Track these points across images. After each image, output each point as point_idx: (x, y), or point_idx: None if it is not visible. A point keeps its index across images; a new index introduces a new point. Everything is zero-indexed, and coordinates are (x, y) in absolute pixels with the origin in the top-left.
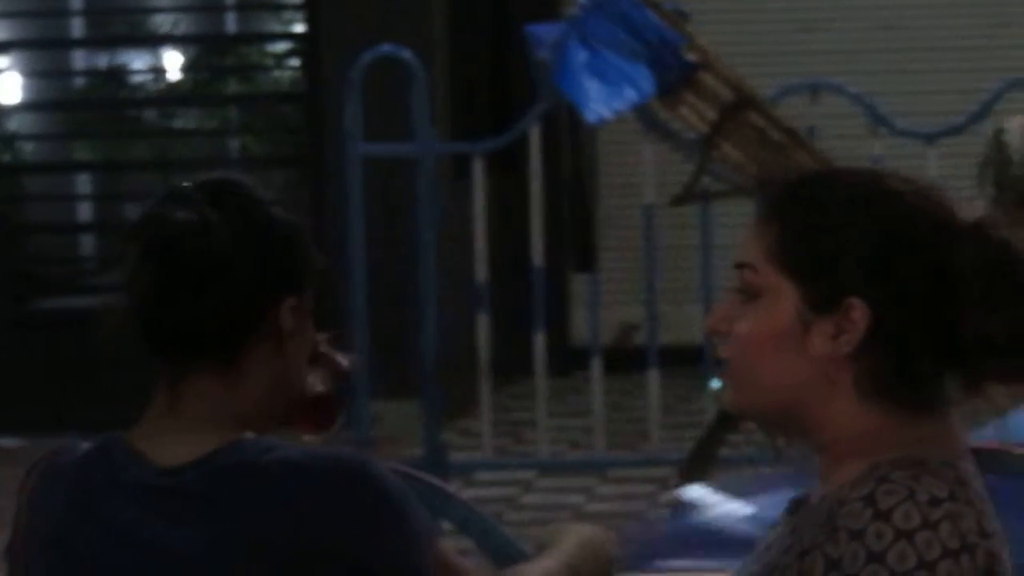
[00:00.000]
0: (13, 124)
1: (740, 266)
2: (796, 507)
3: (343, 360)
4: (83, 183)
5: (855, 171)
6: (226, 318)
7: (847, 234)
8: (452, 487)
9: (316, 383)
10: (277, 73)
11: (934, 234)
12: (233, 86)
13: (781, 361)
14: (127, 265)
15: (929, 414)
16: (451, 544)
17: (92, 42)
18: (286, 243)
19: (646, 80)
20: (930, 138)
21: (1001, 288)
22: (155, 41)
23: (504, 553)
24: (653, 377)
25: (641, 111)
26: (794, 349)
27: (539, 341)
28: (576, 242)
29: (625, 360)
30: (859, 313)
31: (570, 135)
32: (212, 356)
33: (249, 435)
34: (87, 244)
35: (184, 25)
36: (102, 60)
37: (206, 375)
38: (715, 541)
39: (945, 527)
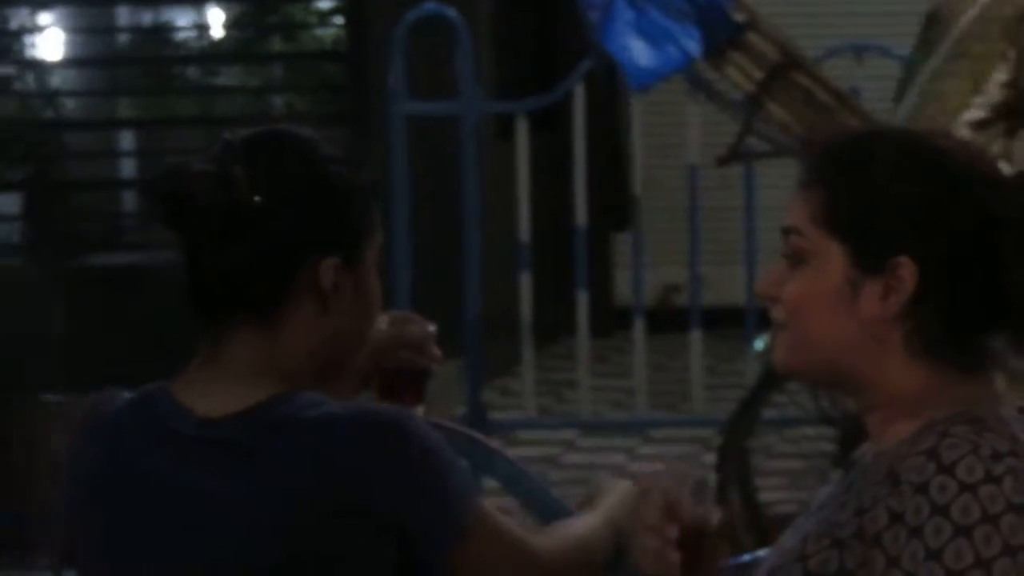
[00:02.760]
0: (56, 80)
1: (787, 231)
2: (849, 466)
3: (429, 332)
4: (127, 140)
5: (897, 131)
6: (253, 270)
7: (891, 194)
8: (495, 444)
9: (404, 356)
10: (321, 31)
11: (978, 189)
12: (277, 44)
13: (831, 322)
14: (150, 218)
15: (978, 373)
16: (493, 501)
17: None
18: (329, 200)
19: (693, 40)
20: None
21: None
22: None
23: (547, 510)
24: (696, 338)
25: (687, 71)
26: (844, 310)
27: (582, 301)
28: (613, 201)
29: (668, 321)
30: (907, 272)
31: (607, 93)
32: (248, 309)
33: (295, 390)
34: (130, 201)
35: None
36: (146, 17)
37: (244, 328)
38: None
39: (1008, 481)
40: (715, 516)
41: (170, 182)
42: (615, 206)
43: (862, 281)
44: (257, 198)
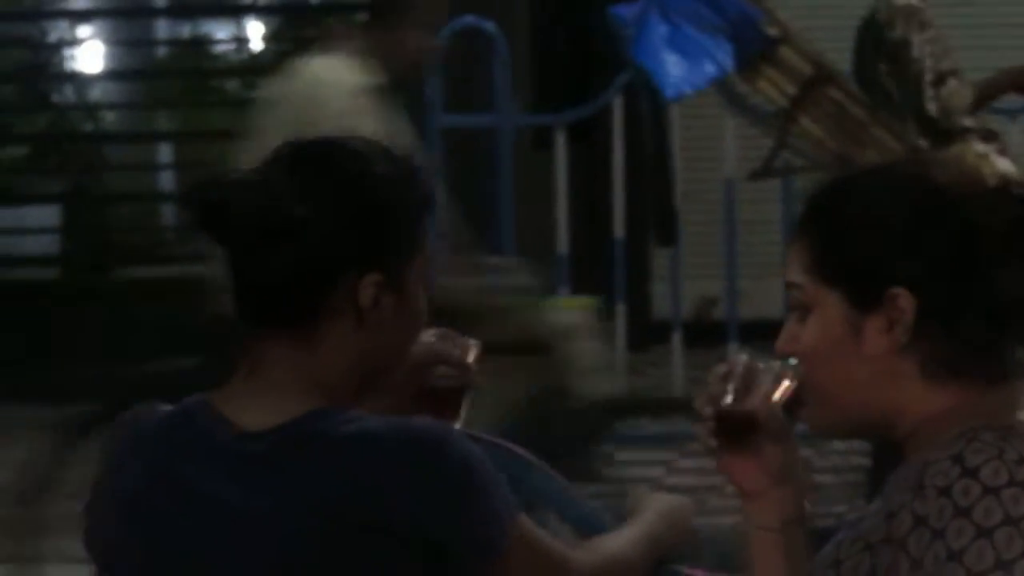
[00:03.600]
0: (95, 93)
1: (789, 286)
2: (875, 480)
3: (469, 351)
4: (165, 152)
5: (872, 167)
6: (291, 284)
7: (870, 230)
8: (533, 458)
9: (442, 376)
10: None
11: (956, 205)
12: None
13: (843, 368)
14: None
15: (1001, 383)
16: (531, 518)
17: (174, 11)
18: (373, 216)
19: (726, 55)
20: (1012, 114)
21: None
22: (237, 11)
23: (585, 524)
24: (733, 351)
25: (721, 85)
26: (852, 353)
27: (619, 314)
28: (657, 216)
29: (705, 334)
30: (904, 301)
31: (650, 108)
32: (286, 323)
33: (335, 405)
34: (168, 214)
35: None
36: (184, 29)
37: (283, 342)
38: None
39: None
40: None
41: (208, 190)
42: (660, 221)
43: (863, 320)
44: (297, 210)
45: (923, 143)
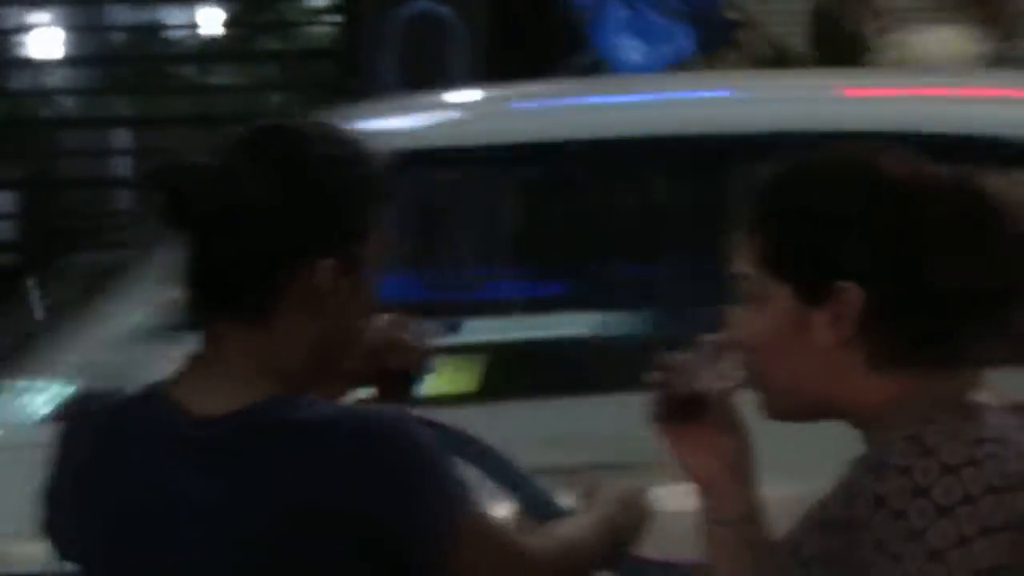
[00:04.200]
0: (51, 79)
1: (738, 276)
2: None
3: (422, 335)
4: (120, 138)
5: (820, 159)
6: (248, 269)
7: (819, 224)
8: (488, 441)
9: (398, 358)
10: (314, 29)
11: (908, 196)
12: (270, 42)
13: (792, 360)
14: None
15: (955, 368)
16: (486, 503)
17: None
18: (328, 200)
19: (686, 38)
20: None
21: (973, 239)
22: None
23: (541, 507)
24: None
25: (680, 69)
26: (801, 346)
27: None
28: None
29: None
30: (851, 294)
31: None
32: (243, 308)
33: (289, 391)
34: (124, 199)
35: None
36: (140, 16)
37: (239, 327)
38: None
39: (989, 465)
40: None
41: (167, 176)
42: None
43: (810, 313)
44: (256, 196)
45: None
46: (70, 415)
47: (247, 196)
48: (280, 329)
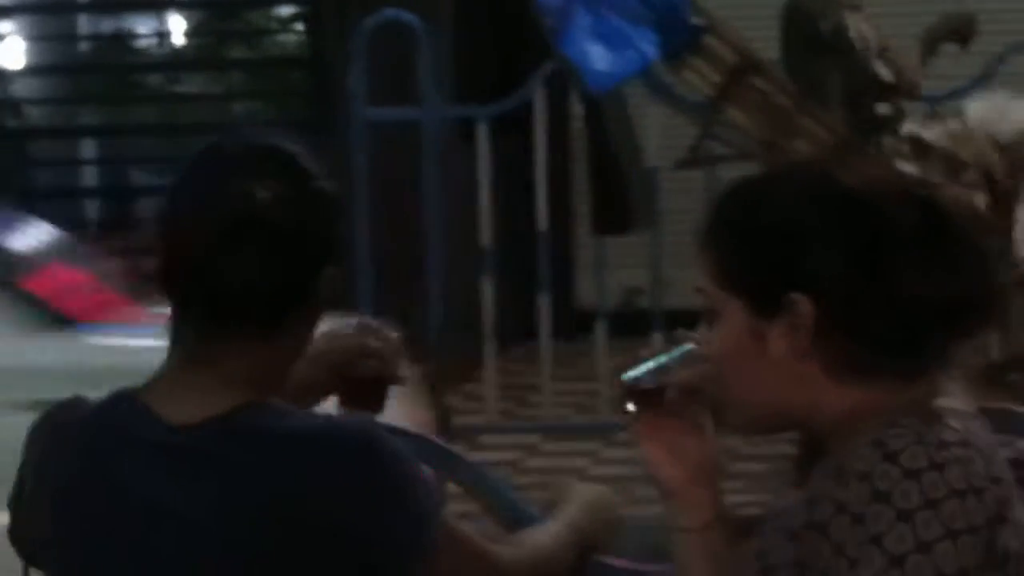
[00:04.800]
0: (18, 88)
1: (698, 291)
2: (803, 468)
3: (393, 341)
4: (88, 148)
5: (775, 173)
6: (288, 288)
7: (771, 239)
8: (459, 450)
9: (368, 365)
10: (283, 37)
11: (863, 209)
12: (239, 51)
13: (751, 373)
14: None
15: (919, 378)
16: (456, 510)
17: (98, 6)
18: (331, 213)
19: (651, 44)
20: None
21: (930, 249)
22: (161, 5)
23: (512, 515)
24: (658, 340)
25: (646, 75)
26: (759, 359)
27: (544, 304)
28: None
29: (630, 324)
30: (804, 307)
31: (584, 98)
32: (258, 322)
33: (265, 399)
34: (92, 208)
35: None
36: (107, 24)
37: (247, 340)
38: None
39: (953, 469)
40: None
41: (238, 206)
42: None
43: (765, 326)
44: (294, 218)
45: (885, 109)
46: (46, 422)
47: (291, 220)
48: (287, 339)
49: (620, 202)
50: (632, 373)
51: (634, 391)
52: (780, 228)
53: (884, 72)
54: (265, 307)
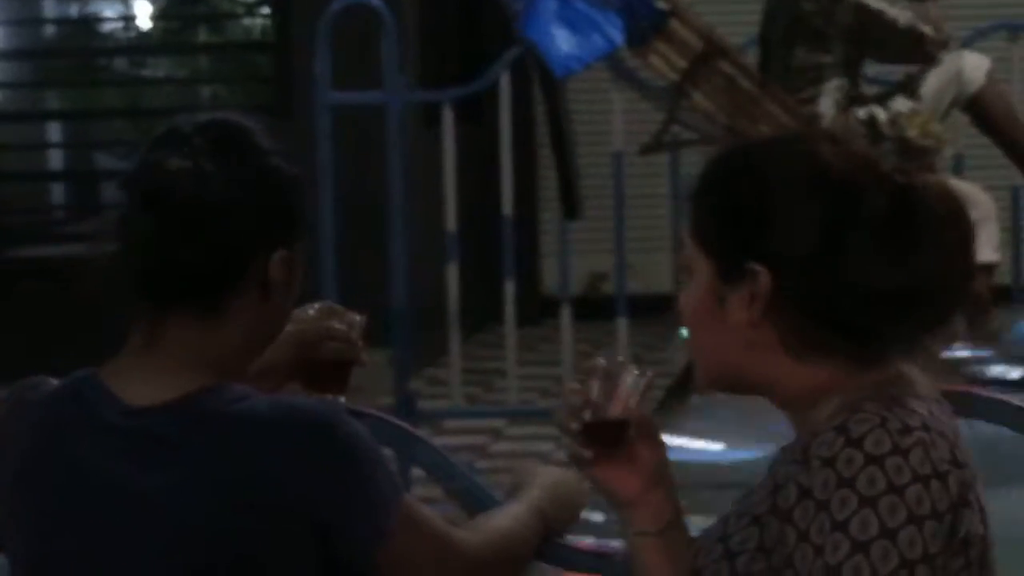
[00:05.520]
0: None
1: (682, 243)
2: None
3: (357, 324)
4: (54, 132)
5: (762, 141)
6: (216, 265)
7: (741, 206)
8: (422, 433)
9: (331, 348)
10: (247, 21)
11: (835, 187)
12: (204, 35)
13: (711, 334)
14: (121, 211)
15: (880, 361)
16: (419, 494)
17: None
18: (282, 193)
19: (616, 28)
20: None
21: (899, 238)
22: None
23: (474, 499)
24: (622, 326)
25: (611, 59)
26: (718, 321)
27: (509, 290)
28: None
29: (595, 309)
30: (762, 278)
31: (543, 83)
32: (196, 301)
33: (224, 382)
34: (58, 193)
35: None
36: (73, 8)
37: (188, 319)
38: None
39: (916, 453)
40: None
41: (149, 175)
42: (563, 195)
43: (727, 291)
44: (226, 194)
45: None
46: (8, 400)
47: (215, 194)
48: (230, 320)
49: (568, 187)
50: (587, 416)
51: (593, 430)
52: (751, 198)
53: (925, 28)
54: (197, 286)
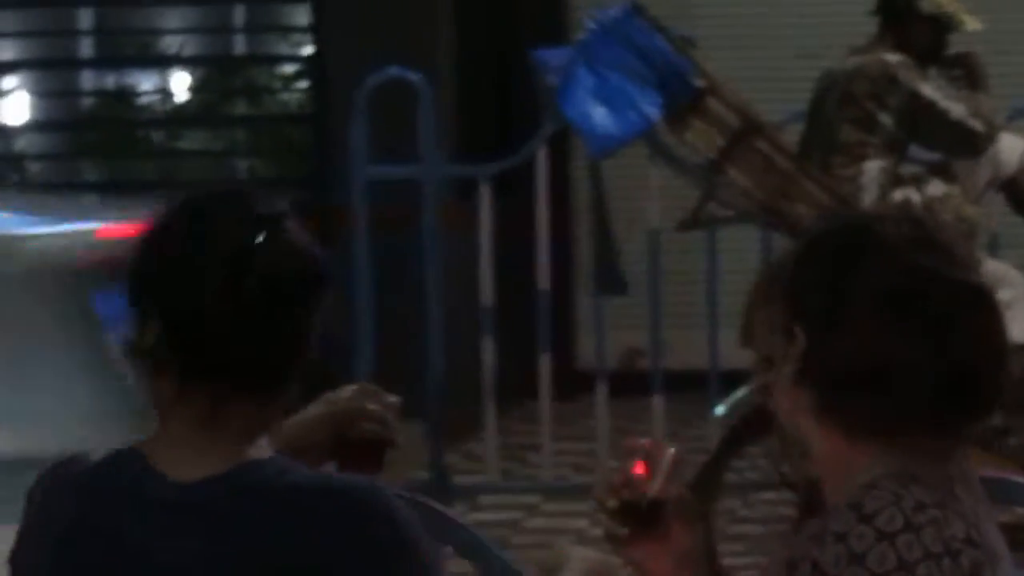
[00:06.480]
0: (21, 144)
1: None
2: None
3: (392, 405)
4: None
5: (844, 215)
6: (294, 351)
7: (794, 276)
8: (455, 512)
9: (365, 429)
10: (285, 95)
11: (872, 266)
12: (241, 107)
13: (780, 394)
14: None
15: (912, 439)
16: (452, 570)
17: (100, 62)
18: (323, 276)
19: (653, 105)
20: None
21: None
22: (163, 62)
23: None
24: (658, 402)
25: (647, 136)
26: (781, 379)
27: (544, 364)
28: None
29: (630, 384)
30: (798, 339)
31: (585, 157)
32: (258, 380)
33: (266, 455)
34: None
35: (192, 46)
36: (110, 80)
37: (253, 399)
38: None
39: (929, 531)
40: (673, 489)
41: (256, 254)
42: (607, 271)
43: (783, 349)
44: (318, 276)
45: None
46: (48, 474)
47: (319, 279)
48: (282, 399)
49: (608, 263)
50: (625, 494)
51: (630, 508)
52: (804, 263)
53: (975, 123)
54: (279, 370)
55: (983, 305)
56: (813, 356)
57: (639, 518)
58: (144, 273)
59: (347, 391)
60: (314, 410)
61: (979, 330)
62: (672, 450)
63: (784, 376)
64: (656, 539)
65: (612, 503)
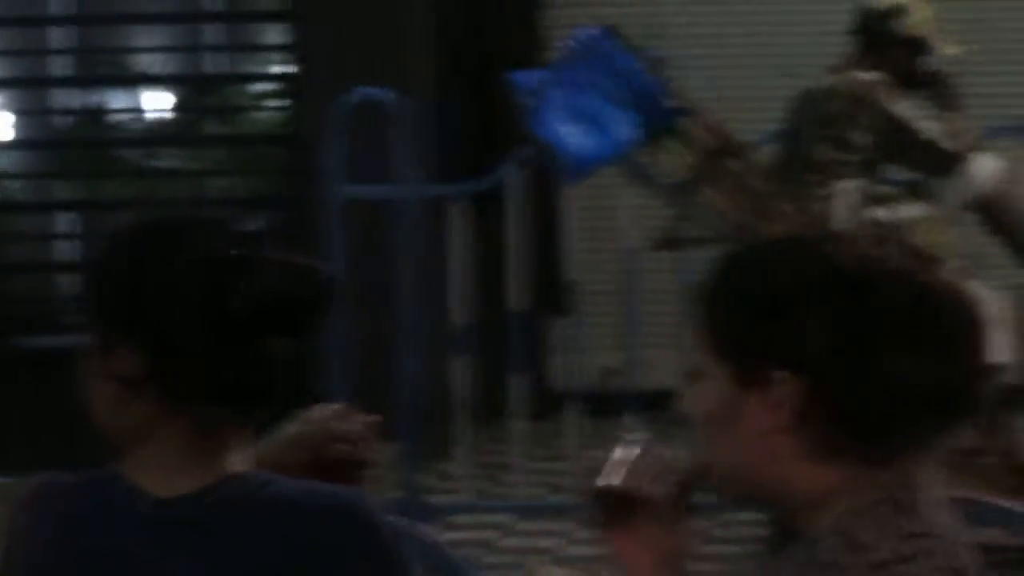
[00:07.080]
0: None
1: (693, 348)
2: (774, 550)
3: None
4: (65, 222)
5: (770, 244)
6: (276, 370)
7: (759, 310)
8: (428, 531)
9: (338, 449)
10: (260, 114)
11: (855, 287)
12: (216, 127)
13: (728, 440)
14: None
15: (892, 463)
16: None
17: (75, 81)
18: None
19: (627, 126)
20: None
21: (927, 336)
22: (138, 81)
23: None
24: (631, 422)
25: (622, 156)
26: (738, 428)
27: (517, 384)
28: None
29: (604, 404)
30: (788, 386)
31: (542, 177)
32: (250, 404)
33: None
34: (68, 284)
35: (167, 65)
36: (85, 99)
37: (235, 419)
38: None
39: (920, 561)
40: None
41: (310, 287)
42: (552, 292)
43: (746, 397)
44: (297, 296)
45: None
46: (28, 495)
47: (324, 305)
48: (262, 418)
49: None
50: (603, 480)
51: (605, 496)
52: (770, 302)
53: (946, 143)
54: (271, 392)
55: (976, 322)
56: (822, 394)
57: (610, 507)
58: (116, 298)
59: (321, 411)
60: (288, 430)
61: (972, 348)
62: (664, 452)
63: (757, 422)
64: (637, 535)
65: (594, 486)
